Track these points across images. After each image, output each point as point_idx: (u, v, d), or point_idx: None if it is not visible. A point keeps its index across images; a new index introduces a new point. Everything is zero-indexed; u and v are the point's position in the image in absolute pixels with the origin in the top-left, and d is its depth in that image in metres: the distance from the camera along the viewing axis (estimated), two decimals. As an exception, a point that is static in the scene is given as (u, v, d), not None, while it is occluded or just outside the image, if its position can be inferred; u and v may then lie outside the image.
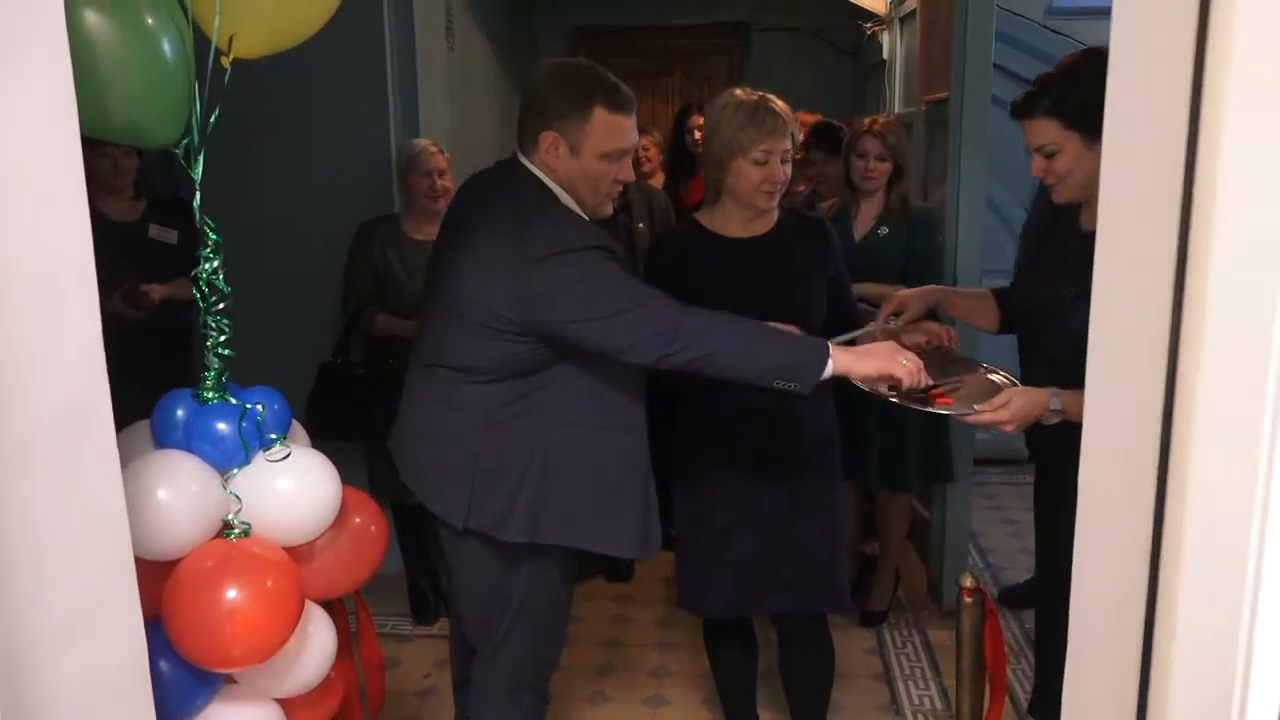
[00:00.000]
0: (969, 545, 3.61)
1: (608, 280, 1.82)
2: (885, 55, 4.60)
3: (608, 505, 1.96)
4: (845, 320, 2.25)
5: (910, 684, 2.92)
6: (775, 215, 2.26)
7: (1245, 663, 0.74)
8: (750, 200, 2.17)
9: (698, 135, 4.06)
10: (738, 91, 2.19)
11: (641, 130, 3.91)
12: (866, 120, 3.15)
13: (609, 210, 2.01)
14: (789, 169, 2.18)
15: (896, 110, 4.32)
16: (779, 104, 2.16)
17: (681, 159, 4.18)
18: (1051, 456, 1.98)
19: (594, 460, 1.94)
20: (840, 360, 1.81)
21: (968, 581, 1.85)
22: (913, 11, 3.98)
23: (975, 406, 1.83)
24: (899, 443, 3.10)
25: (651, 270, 2.35)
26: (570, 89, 1.87)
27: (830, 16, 5.29)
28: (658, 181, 4.13)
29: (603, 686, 2.93)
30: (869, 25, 4.83)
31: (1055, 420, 1.78)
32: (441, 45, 3.98)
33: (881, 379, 1.87)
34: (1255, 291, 0.71)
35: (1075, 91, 1.79)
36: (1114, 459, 0.96)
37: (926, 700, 2.84)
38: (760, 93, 2.18)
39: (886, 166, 3.06)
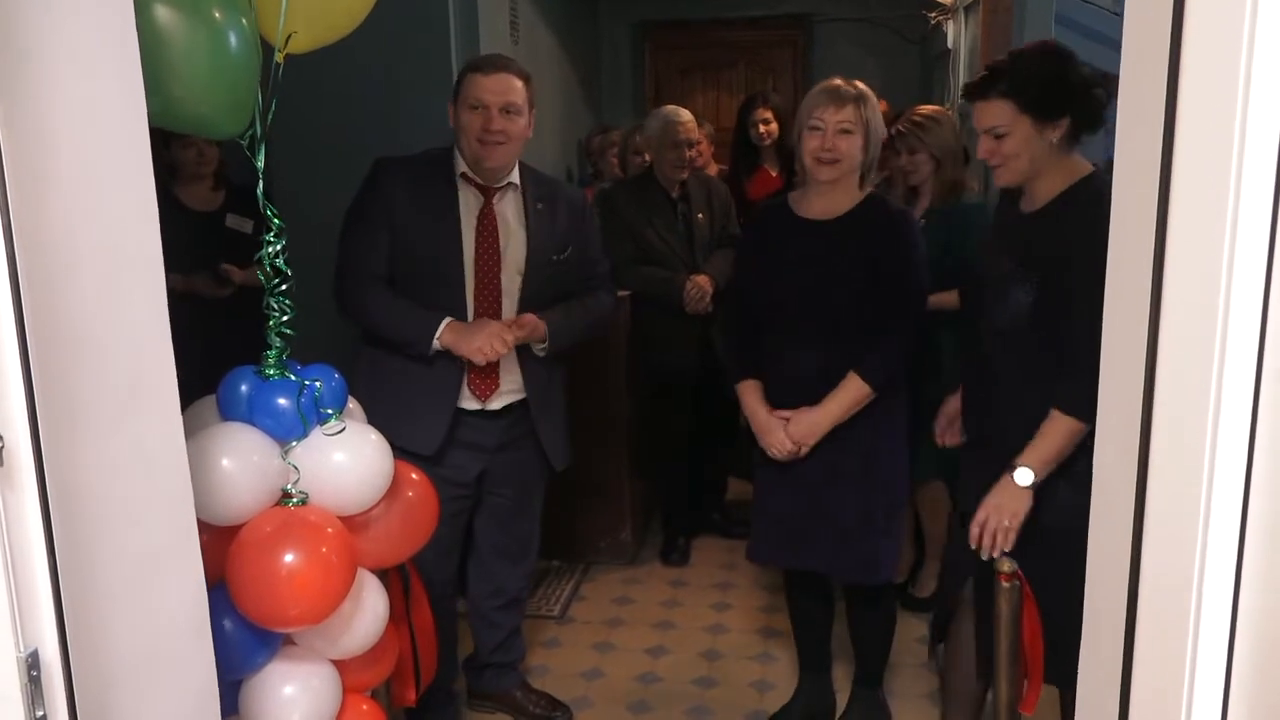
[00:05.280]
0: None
1: (358, 202, 2.33)
2: (950, 44, 4.56)
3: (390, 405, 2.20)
4: (892, 311, 2.28)
5: (961, 673, 2.92)
6: (856, 199, 2.30)
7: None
8: (812, 171, 2.25)
9: (763, 129, 4.07)
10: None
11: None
12: (904, 114, 3.13)
13: (491, 161, 2.28)
14: (850, 143, 2.22)
15: (960, 100, 4.29)
16: (856, 85, 2.25)
17: (745, 152, 4.16)
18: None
19: (381, 370, 2.31)
20: (446, 335, 2.24)
21: (1005, 567, 1.87)
22: (977, 1, 3.95)
23: None
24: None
25: (742, 234, 2.72)
26: (461, 69, 2.34)
27: (895, 6, 5.26)
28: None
29: (654, 667, 2.99)
30: (934, 14, 4.79)
31: None
32: (506, 39, 4.06)
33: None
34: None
35: (1031, 77, 1.88)
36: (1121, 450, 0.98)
37: (976, 690, 2.83)
38: (850, 80, 2.28)
39: (921, 158, 3.03)
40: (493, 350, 2.22)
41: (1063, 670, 2.04)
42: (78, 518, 0.98)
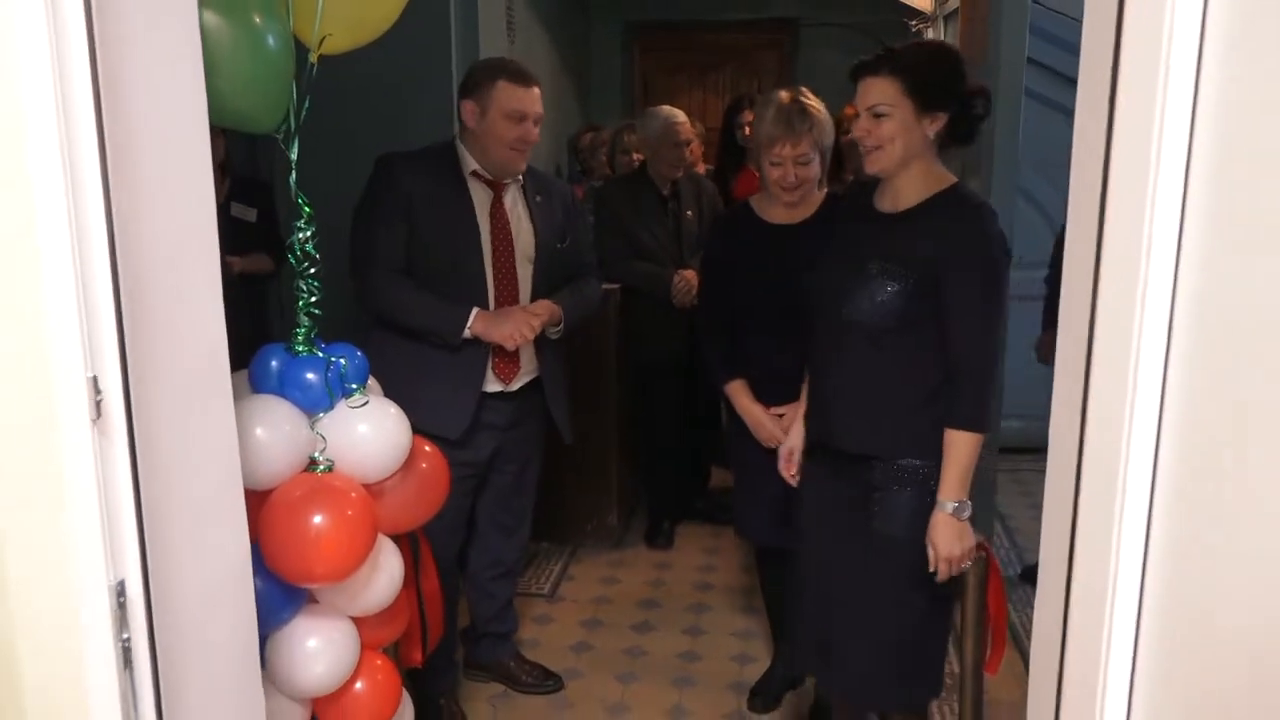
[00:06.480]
0: (996, 525, 3.76)
1: (371, 198, 2.39)
2: (930, 52, 4.71)
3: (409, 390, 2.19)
4: None
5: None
6: (818, 202, 2.47)
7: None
8: (778, 196, 2.43)
9: (749, 131, 4.20)
10: (782, 92, 2.42)
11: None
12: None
13: (517, 168, 2.44)
14: (810, 170, 2.38)
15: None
16: (812, 107, 2.37)
17: (731, 152, 4.29)
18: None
19: (390, 356, 2.30)
20: (477, 325, 2.35)
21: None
22: (956, 10, 4.11)
23: None
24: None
25: (708, 243, 2.80)
26: (483, 70, 2.43)
27: (878, 13, 5.40)
28: (696, 174, 4.28)
29: (640, 642, 3.13)
30: (915, 23, 4.94)
31: None
32: (503, 39, 4.19)
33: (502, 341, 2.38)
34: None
35: (921, 65, 1.89)
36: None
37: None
38: (799, 96, 2.39)
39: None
40: (522, 336, 2.36)
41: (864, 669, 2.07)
42: (156, 466, 1.11)
